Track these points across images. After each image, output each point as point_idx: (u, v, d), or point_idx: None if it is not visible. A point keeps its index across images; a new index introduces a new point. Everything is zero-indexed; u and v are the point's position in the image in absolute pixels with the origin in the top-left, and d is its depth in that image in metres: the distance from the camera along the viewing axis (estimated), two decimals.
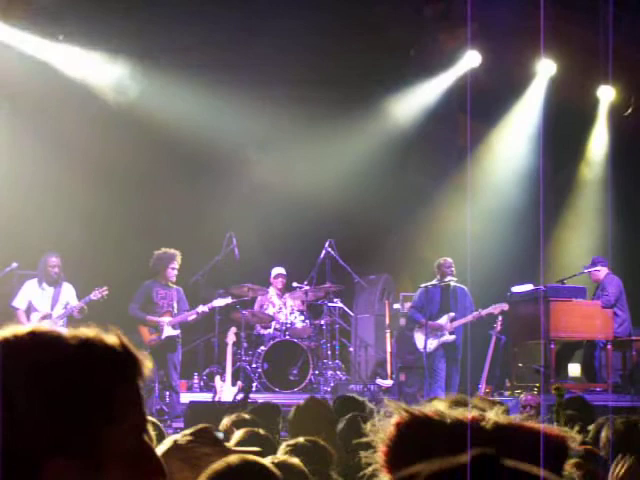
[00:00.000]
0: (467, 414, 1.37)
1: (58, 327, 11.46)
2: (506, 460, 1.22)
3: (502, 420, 1.39)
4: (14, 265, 11.88)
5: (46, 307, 11.49)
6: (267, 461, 3.14)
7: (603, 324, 11.71)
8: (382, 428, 1.39)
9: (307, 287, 12.85)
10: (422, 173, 15.11)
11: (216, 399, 11.17)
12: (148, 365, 1.49)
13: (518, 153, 15.08)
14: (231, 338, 11.98)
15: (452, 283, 11.99)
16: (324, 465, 4.04)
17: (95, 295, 11.47)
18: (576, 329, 11.72)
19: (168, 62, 13.35)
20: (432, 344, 11.77)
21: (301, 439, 4.08)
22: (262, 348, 12.36)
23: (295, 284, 13.02)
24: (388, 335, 13.23)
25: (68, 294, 11.60)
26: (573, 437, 1.41)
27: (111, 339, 1.46)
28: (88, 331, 1.46)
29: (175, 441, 3.09)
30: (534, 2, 14.07)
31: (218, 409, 8.65)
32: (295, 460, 3.55)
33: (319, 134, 14.16)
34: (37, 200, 13.14)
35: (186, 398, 11.44)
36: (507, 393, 11.91)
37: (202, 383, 12.60)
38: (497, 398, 11.33)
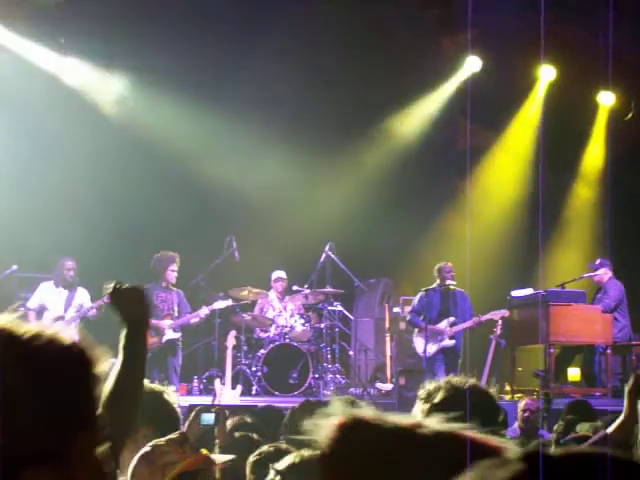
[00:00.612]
0: (406, 420, 1.38)
1: (71, 329, 11.49)
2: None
3: (441, 428, 1.39)
4: (14, 268, 11.90)
5: (59, 309, 11.51)
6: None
7: (603, 329, 11.71)
8: (324, 427, 1.39)
9: (307, 290, 12.85)
10: (422, 177, 15.11)
11: (216, 402, 11.17)
12: (105, 361, 1.49)
13: (518, 157, 15.10)
14: (231, 341, 11.98)
15: (452, 287, 11.99)
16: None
17: (108, 299, 11.46)
18: (576, 333, 11.72)
19: (166, 79, 13.38)
20: (432, 348, 11.76)
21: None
22: (262, 351, 12.36)
23: (295, 287, 13.03)
24: (388, 339, 13.24)
25: (82, 298, 11.64)
26: (511, 449, 1.41)
27: (66, 338, 1.45)
28: (47, 330, 1.45)
29: (152, 446, 3.12)
30: (534, 7, 14.10)
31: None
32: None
33: (319, 144, 14.19)
34: (37, 203, 13.13)
35: (186, 402, 11.43)
36: (507, 397, 11.90)
37: (202, 386, 12.59)
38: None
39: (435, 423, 1.41)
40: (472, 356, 12.43)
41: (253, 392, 12.13)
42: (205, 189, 13.83)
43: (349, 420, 1.37)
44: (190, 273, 12.51)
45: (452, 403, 2.72)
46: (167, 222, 13.65)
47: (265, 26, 13.69)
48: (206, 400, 11.48)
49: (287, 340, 12.49)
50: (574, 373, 12.49)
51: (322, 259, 12.94)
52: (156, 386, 3.82)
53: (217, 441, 4.61)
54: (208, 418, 5.03)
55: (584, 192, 15.17)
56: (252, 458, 3.84)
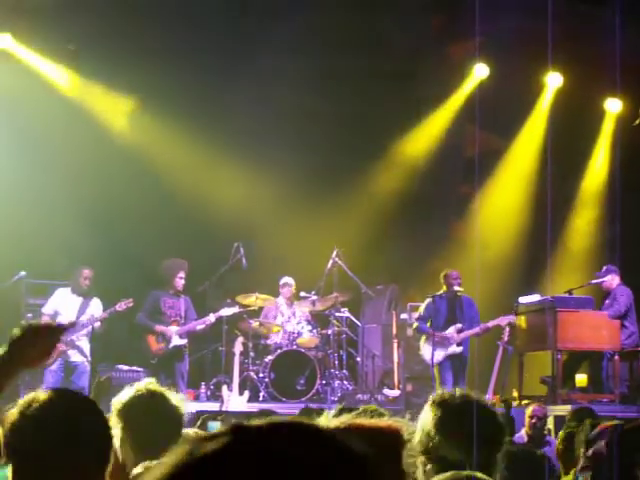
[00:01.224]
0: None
1: (81, 337, 11.51)
2: None
3: (333, 424, 1.43)
4: (22, 274, 11.93)
5: (72, 316, 11.54)
6: None
7: (610, 335, 11.69)
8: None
9: (314, 297, 12.86)
10: (429, 183, 15.12)
11: (223, 409, 11.18)
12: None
13: (525, 164, 15.10)
14: (238, 347, 12.00)
15: (459, 293, 12.00)
16: None
17: (120, 307, 11.53)
18: (583, 340, 11.70)
19: (170, 104, 13.47)
20: (439, 355, 11.77)
21: None
22: (269, 358, 12.36)
23: (303, 294, 13.03)
24: (395, 345, 13.24)
25: (95, 308, 11.65)
26: (405, 426, 1.47)
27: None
28: None
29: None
30: (541, 14, 14.11)
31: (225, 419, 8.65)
32: None
33: (326, 156, 14.25)
34: (46, 210, 13.17)
35: (193, 408, 11.45)
36: (514, 404, 11.88)
37: (209, 393, 12.60)
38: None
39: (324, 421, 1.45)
40: (479, 362, 12.43)
41: (260, 398, 12.14)
42: (212, 198, 13.85)
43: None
44: (198, 279, 12.53)
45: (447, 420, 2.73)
46: (175, 229, 13.68)
47: (265, 29, 13.75)
48: (214, 406, 11.50)
49: (294, 346, 12.50)
50: (582, 380, 12.47)
51: (329, 265, 12.94)
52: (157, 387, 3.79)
53: None
54: (214, 427, 5.05)
55: (592, 198, 15.15)
56: None
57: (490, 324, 11.91)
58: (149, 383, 3.68)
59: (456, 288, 11.97)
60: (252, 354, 12.49)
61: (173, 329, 11.69)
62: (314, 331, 12.80)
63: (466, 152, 15.31)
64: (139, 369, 12.41)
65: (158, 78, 13.20)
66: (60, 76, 13.63)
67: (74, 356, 11.44)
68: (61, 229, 13.06)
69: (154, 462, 3.16)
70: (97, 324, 11.53)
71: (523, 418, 9.44)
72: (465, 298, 12.09)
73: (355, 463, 1.22)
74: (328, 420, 1.45)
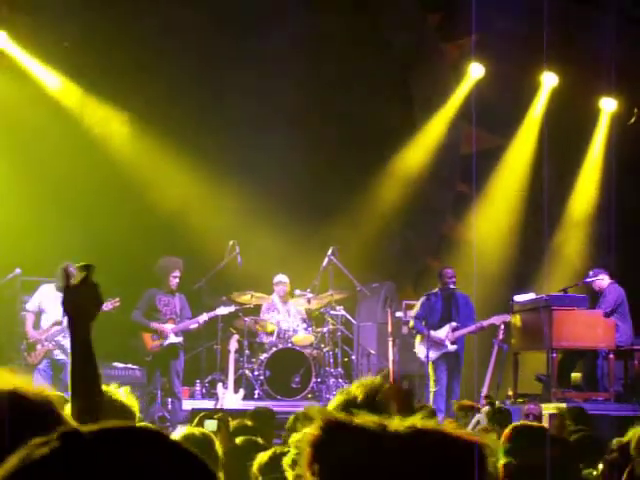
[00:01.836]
0: (374, 419, 1.43)
1: (67, 335, 11.50)
2: None
3: (406, 425, 1.44)
4: (17, 271, 11.91)
5: (58, 314, 11.51)
6: None
7: (605, 333, 11.71)
8: (304, 432, 1.44)
9: (310, 295, 12.86)
10: (425, 181, 15.14)
11: (218, 406, 11.18)
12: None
13: (521, 162, 15.11)
14: (233, 345, 12.01)
15: (454, 291, 12.01)
16: None
17: (107, 306, 11.48)
18: (578, 338, 11.71)
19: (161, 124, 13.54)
20: (434, 354, 11.79)
21: None
22: (264, 355, 12.37)
23: (298, 292, 13.03)
24: (390, 343, 13.22)
25: None
26: (490, 442, 1.47)
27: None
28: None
29: None
30: (536, 14, 14.13)
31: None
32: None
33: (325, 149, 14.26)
34: (42, 206, 13.18)
35: (188, 405, 11.46)
36: (509, 402, 11.90)
37: (204, 390, 12.60)
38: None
39: (396, 423, 1.45)
40: (475, 361, 12.43)
41: (255, 396, 12.14)
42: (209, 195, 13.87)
43: (327, 422, 1.42)
44: (193, 277, 12.53)
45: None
46: (169, 226, 13.69)
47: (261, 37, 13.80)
48: (208, 404, 11.50)
49: (290, 344, 12.50)
50: (577, 378, 12.49)
51: (325, 263, 12.95)
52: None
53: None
54: (211, 425, 5.05)
55: (587, 196, 15.17)
56: (263, 459, 3.86)
57: (485, 323, 11.92)
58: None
59: (451, 286, 11.98)
60: (247, 352, 12.49)
61: (169, 327, 11.68)
62: (309, 329, 12.81)
63: (462, 151, 15.32)
64: (134, 367, 12.41)
65: (150, 93, 13.29)
66: (52, 79, 13.67)
67: (60, 355, 11.42)
68: (56, 226, 13.07)
69: None
70: None
71: (518, 416, 9.45)
72: (460, 295, 12.11)
73: (193, 474, 1.23)
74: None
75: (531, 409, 9.44)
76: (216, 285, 12.84)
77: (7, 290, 11.79)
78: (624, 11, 14.25)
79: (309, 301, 12.85)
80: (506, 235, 14.79)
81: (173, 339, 11.67)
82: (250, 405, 10.95)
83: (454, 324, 11.90)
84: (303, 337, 12.68)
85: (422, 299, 12.18)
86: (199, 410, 10.18)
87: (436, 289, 12.09)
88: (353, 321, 13.32)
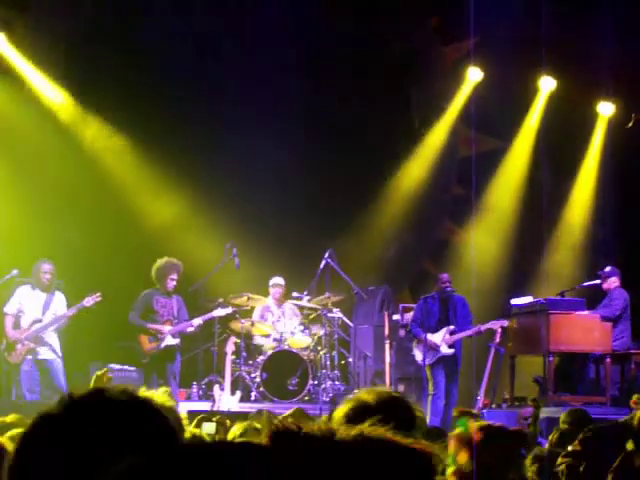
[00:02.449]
0: (322, 427, 1.44)
1: (49, 333, 11.48)
2: None
3: (355, 432, 1.45)
4: (15, 272, 11.90)
5: (37, 312, 11.51)
6: None
7: (602, 337, 11.72)
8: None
9: (306, 297, 12.86)
10: (423, 185, 15.16)
11: (215, 408, 11.17)
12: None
13: (519, 166, 15.13)
14: (230, 347, 11.98)
15: (451, 294, 12.02)
16: None
17: (88, 302, 11.45)
18: (575, 342, 11.72)
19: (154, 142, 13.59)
20: (431, 358, 11.79)
21: None
22: (261, 358, 12.36)
23: (295, 294, 13.03)
24: (387, 346, 13.23)
25: (59, 303, 11.59)
26: (438, 454, 1.48)
27: None
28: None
29: None
30: (535, 17, 14.16)
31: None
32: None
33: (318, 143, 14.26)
34: (38, 207, 13.18)
35: (185, 407, 11.44)
36: (506, 405, 11.91)
37: (201, 392, 12.59)
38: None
39: (345, 429, 1.46)
40: (472, 364, 12.42)
41: (252, 398, 12.13)
42: (205, 195, 13.87)
43: (276, 431, 1.45)
44: (190, 279, 12.52)
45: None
46: (166, 227, 13.70)
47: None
48: (205, 406, 11.48)
49: (286, 347, 12.50)
50: (571, 382, 12.50)
51: (322, 266, 12.94)
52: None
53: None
54: (209, 427, 5.04)
55: (585, 200, 15.18)
56: None
57: (483, 327, 11.91)
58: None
59: (448, 289, 11.99)
60: (244, 354, 12.48)
61: (166, 329, 11.67)
62: (306, 331, 12.80)
63: (460, 154, 15.34)
64: (131, 368, 12.40)
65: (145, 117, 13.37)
66: (46, 86, 13.71)
67: (44, 353, 11.40)
68: (53, 227, 13.09)
69: None
70: (64, 321, 11.50)
71: (515, 420, 9.45)
72: (458, 298, 12.10)
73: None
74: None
75: (528, 412, 9.42)
76: (213, 287, 12.82)
77: (4, 291, 11.78)
78: (622, 15, 14.27)
79: (306, 302, 12.85)
80: (504, 238, 14.80)
81: (170, 341, 11.65)
82: (246, 407, 10.95)
83: (452, 327, 11.89)
84: (300, 339, 12.68)
85: (419, 302, 12.19)
86: (196, 412, 10.19)
87: (433, 293, 12.10)
88: (350, 324, 13.32)
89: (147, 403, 1.56)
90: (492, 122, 14.64)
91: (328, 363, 12.68)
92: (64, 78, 13.64)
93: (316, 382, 12.41)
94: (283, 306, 13.05)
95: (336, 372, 12.75)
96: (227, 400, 11.48)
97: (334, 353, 12.81)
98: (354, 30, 14.44)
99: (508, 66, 14.30)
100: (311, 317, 13.22)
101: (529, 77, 14.74)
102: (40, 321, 11.42)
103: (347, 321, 13.21)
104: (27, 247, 12.39)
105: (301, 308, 12.98)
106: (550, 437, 6.46)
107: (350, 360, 13.26)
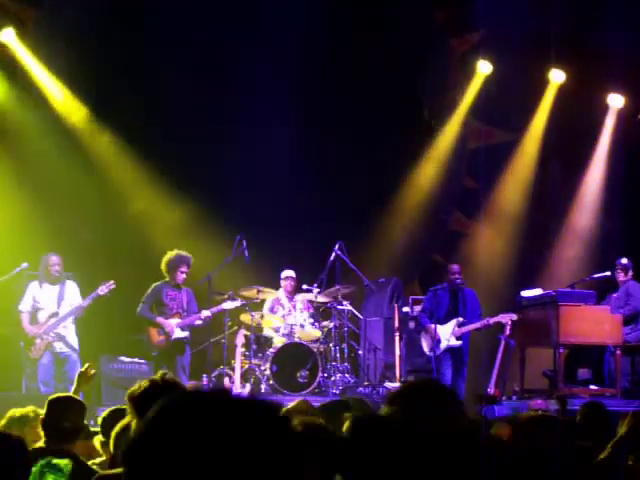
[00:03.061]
0: None
1: (68, 325, 11.51)
2: None
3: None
4: (24, 265, 11.93)
5: (52, 306, 11.52)
6: None
7: (612, 329, 11.69)
8: None
9: (317, 289, 12.86)
10: (433, 177, 15.16)
11: None
12: None
13: (529, 159, 15.11)
14: (240, 340, 11.99)
15: (462, 286, 12.02)
16: None
17: (102, 290, 11.48)
18: (586, 334, 11.69)
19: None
20: (438, 348, 11.80)
21: None
22: (271, 350, 12.36)
23: (305, 286, 13.03)
24: (397, 338, 13.23)
25: (72, 291, 11.62)
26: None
27: None
28: None
29: None
30: (544, 9, 14.14)
31: None
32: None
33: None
34: (47, 203, 13.22)
35: None
36: (516, 397, 11.90)
37: (211, 385, 12.59)
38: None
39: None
40: (481, 356, 12.42)
41: (262, 391, 12.14)
42: (215, 189, 13.88)
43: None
44: (200, 272, 12.52)
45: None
46: (175, 219, 13.72)
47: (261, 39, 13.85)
48: None
49: (296, 339, 12.50)
50: (584, 374, 12.48)
51: (332, 258, 12.94)
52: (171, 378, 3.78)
53: None
54: None
55: (594, 192, 15.15)
56: None
57: (492, 320, 11.91)
58: (163, 373, 3.68)
59: (458, 282, 12.00)
60: (254, 346, 12.48)
61: (174, 321, 11.67)
62: (316, 324, 12.80)
63: (470, 146, 15.32)
64: (141, 361, 12.42)
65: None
66: (50, 84, 13.73)
67: (62, 348, 11.42)
68: (62, 220, 13.12)
69: None
70: (81, 311, 11.52)
71: (525, 412, 9.43)
72: (468, 291, 12.11)
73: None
74: None
75: (538, 404, 9.44)
76: (223, 280, 12.83)
77: (14, 284, 11.81)
78: (631, 6, 14.22)
79: (316, 296, 12.85)
80: (513, 231, 14.79)
81: (179, 334, 11.66)
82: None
83: (460, 319, 11.91)
84: (310, 332, 12.68)
85: (429, 293, 12.22)
86: None
87: (443, 284, 12.10)
88: (360, 316, 13.32)
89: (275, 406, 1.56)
90: (501, 115, 14.63)
91: (338, 356, 12.68)
92: (73, 80, 13.62)
93: (326, 375, 12.42)
94: (294, 299, 13.06)
95: (346, 365, 12.75)
96: (237, 393, 11.48)
97: (344, 346, 12.81)
98: (361, 22, 14.42)
99: (517, 59, 14.27)
100: (321, 310, 13.23)
101: (538, 70, 14.71)
102: (57, 314, 11.44)
103: (357, 313, 13.21)
104: (37, 242, 12.41)
105: (311, 301, 12.98)
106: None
107: (360, 353, 13.26)
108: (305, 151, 14.06)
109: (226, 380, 11.78)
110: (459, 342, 11.88)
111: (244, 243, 12.67)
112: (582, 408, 6.51)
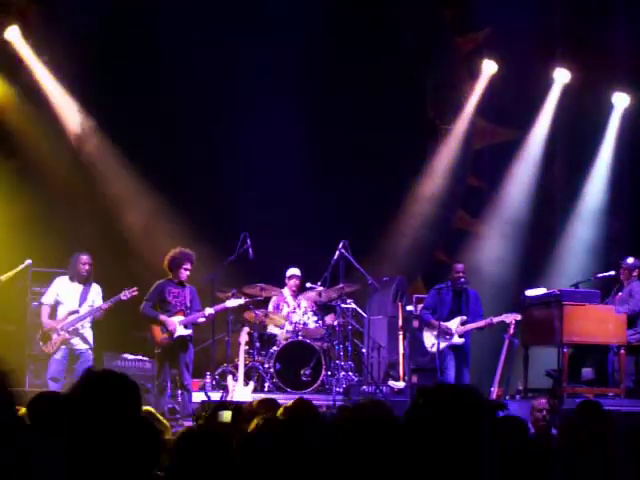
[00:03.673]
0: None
1: (85, 324, 11.50)
2: None
3: None
4: (28, 262, 11.93)
5: (74, 304, 11.50)
6: None
7: (616, 329, 11.66)
8: None
9: (321, 288, 12.85)
10: (437, 176, 15.14)
11: (228, 399, 11.18)
12: None
13: (534, 157, 15.08)
14: (244, 338, 11.99)
15: (465, 286, 12.01)
16: None
17: (125, 295, 11.48)
18: (589, 333, 11.66)
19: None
20: (440, 345, 11.78)
21: None
22: (275, 348, 12.36)
23: (309, 285, 13.02)
24: (401, 337, 13.22)
25: (95, 294, 11.61)
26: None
27: None
28: None
29: None
30: (549, 8, 14.12)
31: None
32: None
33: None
34: (50, 202, 13.24)
35: (198, 397, 11.48)
36: (519, 397, 11.88)
37: (214, 382, 12.60)
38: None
39: None
40: (485, 355, 12.42)
41: (265, 389, 12.14)
42: (220, 187, 13.89)
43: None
44: (204, 269, 12.52)
45: None
46: (180, 216, 13.72)
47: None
48: (216, 396, 11.51)
49: (300, 337, 12.50)
50: (587, 374, 12.45)
51: (336, 257, 12.92)
52: None
53: None
54: (226, 415, 5.03)
55: (599, 191, 15.11)
56: None
57: (495, 320, 11.90)
58: None
59: (462, 281, 11.98)
60: (258, 344, 12.48)
61: (177, 319, 11.65)
62: (320, 322, 12.80)
63: (475, 145, 15.30)
64: (144, 358, 12.42)
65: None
66: (50, 84, 13.74)
67: (78, 344, 11.42)
68: (66, 217, 13.12)
69: None
70: (98, 314, 11.51)
71: (528, 411, 9.41)
72: (471, 292, 12.10)
73: None
74: None
75: (542, 404, 9.40)
76: (227, 278, 12.82)
77: (18, 281, 11.81)
78: (636, 4, 14.20)
79: (320, 294, 12.84)
80: (517, 229, 14.77)
81: (182, 331, 11.64)
82: (260, 398, 10.93)
83: (464, 318, 11.90)
84: (314, 330, 12.68)
85: (432, 291, 12.21)
86: (209, 402, 10.21)
87: (447, 283, 12.08)
88: (364, 314, 13.31)
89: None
90: (506, 113, 14.61)
91: (342, 354, 12.68)
92: (76, 80, 13.63)
93: (329, 373, 12.41)
94: (299, 297, 13.05)
95: (350, 363, 12.75)
96: (240, 390, 11.49)
97: (348, 344, 12.81)
98: (367, 22, 14.41)
99: (523, 58, 14.25)
100: (325, 308, 13.22)
101: (544, 68, 14.69)
102: (77, 312, 11.43)
103: (361, 312, 13.21)
104: (41, 239, 12.42)
105: (316, 299, 12.97)
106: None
107: (364, 351, 13.26)
108: (308, 150, 14.04)
109: (229, 378, 11.77)
110: (461, 340, 11.87)
111: (248, 241, 12.65)
112: (578, 406, 6.50)
